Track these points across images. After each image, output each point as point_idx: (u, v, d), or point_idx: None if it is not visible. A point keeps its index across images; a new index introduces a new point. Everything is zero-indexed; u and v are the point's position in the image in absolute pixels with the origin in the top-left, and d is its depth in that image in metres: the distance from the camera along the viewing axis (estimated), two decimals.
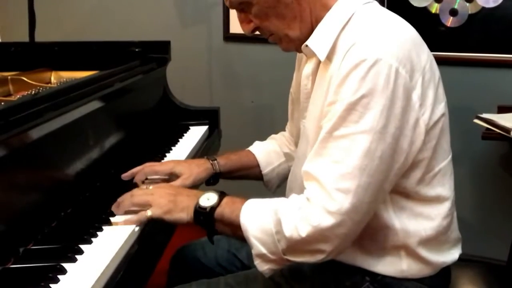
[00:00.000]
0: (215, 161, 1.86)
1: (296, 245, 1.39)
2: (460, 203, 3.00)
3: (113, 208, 1.57)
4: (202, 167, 1.82)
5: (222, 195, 1.50)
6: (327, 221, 1.35)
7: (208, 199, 1.50)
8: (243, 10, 1.58)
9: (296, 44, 1.58)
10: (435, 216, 1.52)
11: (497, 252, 2.93)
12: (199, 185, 1.88)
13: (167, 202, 1.52)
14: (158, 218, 1.51)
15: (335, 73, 1.41)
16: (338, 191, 1.35)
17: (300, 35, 1.55)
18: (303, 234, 1.36)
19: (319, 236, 1.36)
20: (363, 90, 1.34)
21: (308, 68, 1.61)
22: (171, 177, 1.79)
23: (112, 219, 1.54)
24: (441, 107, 1.48)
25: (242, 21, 1.60)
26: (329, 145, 1.39)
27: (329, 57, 1.48)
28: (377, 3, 1.55)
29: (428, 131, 1.44)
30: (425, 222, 1.51)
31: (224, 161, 1.87)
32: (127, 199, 1.56)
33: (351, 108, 1.35)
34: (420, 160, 1.46)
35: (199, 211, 1.49)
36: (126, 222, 1.50)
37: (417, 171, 1.47)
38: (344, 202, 1.34)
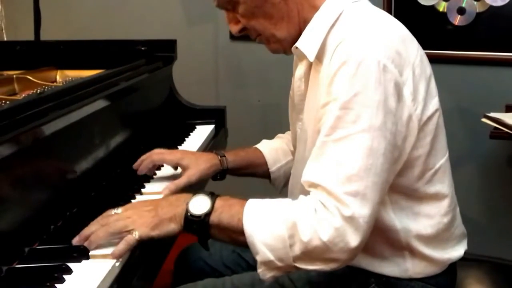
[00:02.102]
0: (224, 158, 1.84)
1: (312, 251, 1.31)
2: (468, 203, 3.00)
3: (79, 242, 1.37)
4: (210, 163, 1.80)
5: (213, 197, 1.40)
6: (347, 226, 1.29)
7: (200, 205, 1.38)
8: (231, 10, 1.58)
9: (284, 46, 1.58)
10: (435, 214, 1.51)
11: (506, 251, 2.92)
12: (206, 182, 1.89)
13: (150, 218, 1.39)
14: (147, 237, 1.38)
15: (325, 73, 1.40)
16: (347, 194, 1.29)
17: (288, 36, 1.55)
18: (325, 238, 1.29)
19: (340, 241, 1.29)
20: (356, 88, 1.33)
21: (300, 70, 1.61)
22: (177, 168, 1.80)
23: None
24: (434, 102, 1.47)
25: (230, 21, 1.61)
26: (329, 149, 1.34)
27: (319, 58, 1.48)
28: (367, 1, 1.55)
29: (422, 126, 1.43)
30: (424, 220, 1.50)
31: (232, 157, 1.86)
32: (100, 230, 1.37)
33: (346, 107, 1.33)
34: (416, 158, 1.45)
35: (191, 219, 1.38)
36: (113, 254, 1.34)
37: (415, 169, 1.46)
38: (355, 205, 1.29)
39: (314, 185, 1.35)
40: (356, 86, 1.33)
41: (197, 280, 1.68)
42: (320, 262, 1.33)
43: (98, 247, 1.36)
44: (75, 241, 1.38)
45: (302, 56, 1.53)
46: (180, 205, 1.40)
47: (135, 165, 1.80)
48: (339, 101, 1.34)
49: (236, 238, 1.38)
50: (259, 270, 1.37)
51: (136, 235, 1.36)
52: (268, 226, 1.33)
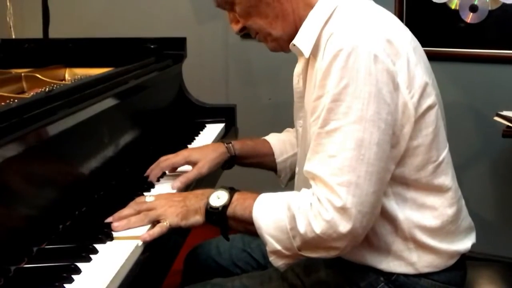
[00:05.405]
0: (230, 145, 1.87)
1: (311, 242, 1.38)
2: (480, 202, 2.98)
3: (116, 225, 1.47)
4: (217, 152, 1.84)
5: (232, 191, 1.50)
6: (337, 217, 1.34)
7: (219, 197, 1.49)
8: (229, 10, 1.61)
9: (281, 44, 1.60)
10: (439, 206, 1.51)
11: None
12: (216, 171, 1.89)
13: (179, 209, 1.50)
14: (176, 226, 1.49)
15: (318, 67, 1.41)
16: (340, 185, 1.34)
17: (283, 34, 1.57)
18: (317, 230, 1.35)
19: (333, 232, 1.35)
20: (346, 80, 1.35)
21: (298, 67, 1.64)
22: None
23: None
24: (434, 95, 1.47)
25: (231, 21, 1.64)
26: (323, 141, 1.38)
27: (314, 53, 1.49)
28: None
29: (423, 114, 1.44)
30: (428, 212, 1.50)
31: (239, 145, 1.89)
32: (134, 218, 1.49)
33: (337, 99, 1.36)
34: (416, 147, 1.45)
35: (211, 211, 1.48)
36: (150, 235, 1.44)
37: (415, 158, 1.46)
38: (347, 195, 1.34)
39: (313, 177, 1.41)
40: (346, 77, 1.35)
41: (207, 279, 1.69)
42: (322, 250, 1.40)
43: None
44: (108, 220, 1.49)
45: (300, 53, 1.54)
46: (204, 199, 1.51)
47: (148, 175, 1.81)
48: (331, 93, 1.36)
49: (250, 229, 1.46)
50: (271, 259, 1.46)
51: (167, 223, 1.48)
52: (273, 218, 1.42)
